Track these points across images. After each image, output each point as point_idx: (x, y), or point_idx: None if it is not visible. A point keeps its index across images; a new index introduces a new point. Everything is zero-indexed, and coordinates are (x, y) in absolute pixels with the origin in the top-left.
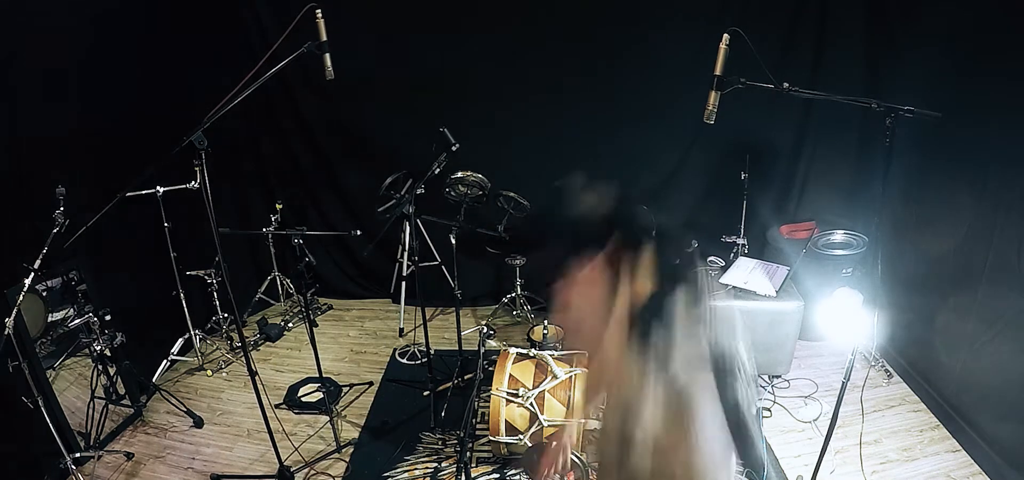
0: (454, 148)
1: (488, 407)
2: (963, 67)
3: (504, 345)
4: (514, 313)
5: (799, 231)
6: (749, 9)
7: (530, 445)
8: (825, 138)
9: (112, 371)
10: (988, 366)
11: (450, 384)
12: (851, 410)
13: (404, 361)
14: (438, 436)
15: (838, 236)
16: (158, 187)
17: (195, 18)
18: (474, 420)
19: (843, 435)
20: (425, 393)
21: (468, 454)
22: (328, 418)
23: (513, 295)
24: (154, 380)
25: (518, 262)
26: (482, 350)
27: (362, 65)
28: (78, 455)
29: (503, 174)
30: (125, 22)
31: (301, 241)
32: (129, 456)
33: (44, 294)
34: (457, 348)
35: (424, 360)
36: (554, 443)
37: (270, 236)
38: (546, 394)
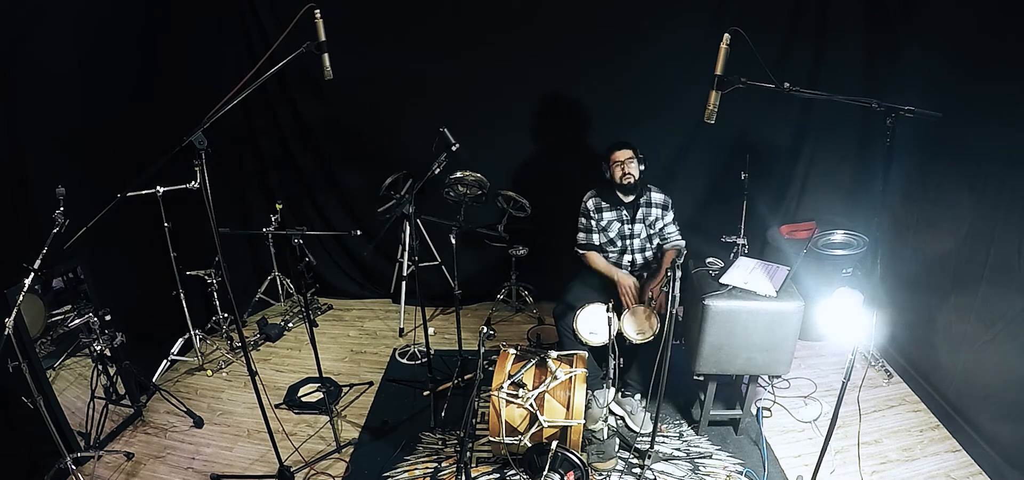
0: (454, 148)
1: (488, 407)
2: (963, 67)
3: (504, 345)
4: (512, 303)
5: (799, 231)
6: (749, 9)
7: (530, 445)
8: (825, 138)
9: (112, 371)
10: (988, 366)
11: (450, 384)
12: (851, 410)
13: (404, 361)
14: (438, 436)
15: (838, 236)
16: (158, 187)
17: (195, 18)
18: (474, 420)
19: (843, 435)
20: (425, 393)
21: (468, 454)
22: (328, 418)
23: (511, 285)
24: (154, 380)
25: (521, 252)
26: (482, 350)
27: (362, 65)
28: (78, 455)
29: (503, 174)
30: (125, 22)
31: (301, 241)
32: (129, 456)
33: (50, 297)
34: (457, 348)
35: (424, 360)
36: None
37: (270, 236)
38: (546, 395)
